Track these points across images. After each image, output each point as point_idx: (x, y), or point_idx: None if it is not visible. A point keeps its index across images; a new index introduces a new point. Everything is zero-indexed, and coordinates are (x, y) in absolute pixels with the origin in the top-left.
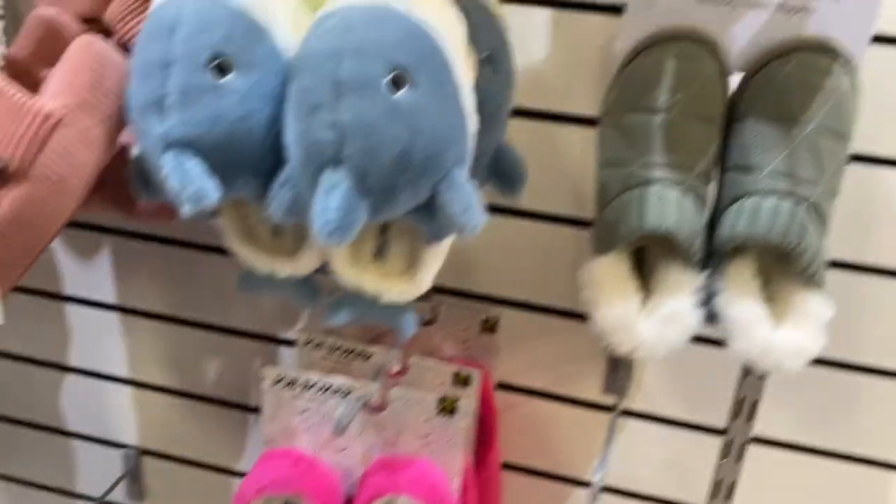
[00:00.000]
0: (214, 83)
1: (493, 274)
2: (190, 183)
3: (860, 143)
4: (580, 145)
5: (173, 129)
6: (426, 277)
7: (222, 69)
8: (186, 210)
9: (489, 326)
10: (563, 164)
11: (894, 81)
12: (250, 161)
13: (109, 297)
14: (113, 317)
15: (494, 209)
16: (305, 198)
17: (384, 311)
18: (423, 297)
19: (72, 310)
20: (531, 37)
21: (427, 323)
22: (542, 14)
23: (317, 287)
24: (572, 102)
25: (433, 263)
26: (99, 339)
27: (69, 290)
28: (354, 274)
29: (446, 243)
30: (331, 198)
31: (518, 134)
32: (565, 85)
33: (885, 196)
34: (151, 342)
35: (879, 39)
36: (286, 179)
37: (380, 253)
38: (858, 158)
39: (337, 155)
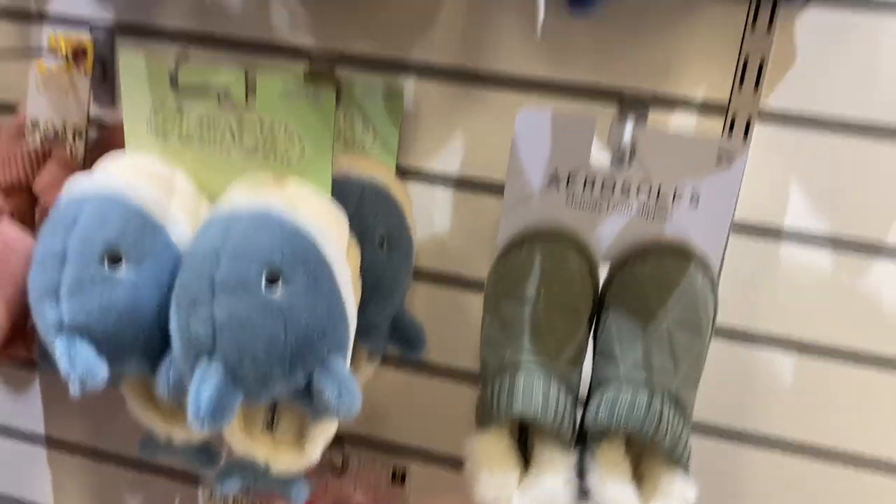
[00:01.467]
0: (107, 275)
1: (402, 425)
2: (79, 366)
3: None
4: (480, 307)
5: (65, 315)
6: (316, 449)
7: (116, 260)
8: (73, 390)
9: (398, 477)
10: (465, 325)
11: None
12: (140, 344)
13: (38, 428)
14: (39, 449)
15: (403, 363)
16: (188, 380)
17: (274, 481)
18: (334, 447)
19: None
20: (435, 211)
21: (337, 472)
22: (444, 193)
23: (213, 453)
24: (472, 269)
25: (322, 436)
26: (23, 469)
27: None
28: (245, 443)
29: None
30: (202, 388)
31: (424, 296)
32: (466, 254)
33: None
34: (75, 476)
35: None
36: (171, 362)
37: (271, 424)
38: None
39: (211, 348)
